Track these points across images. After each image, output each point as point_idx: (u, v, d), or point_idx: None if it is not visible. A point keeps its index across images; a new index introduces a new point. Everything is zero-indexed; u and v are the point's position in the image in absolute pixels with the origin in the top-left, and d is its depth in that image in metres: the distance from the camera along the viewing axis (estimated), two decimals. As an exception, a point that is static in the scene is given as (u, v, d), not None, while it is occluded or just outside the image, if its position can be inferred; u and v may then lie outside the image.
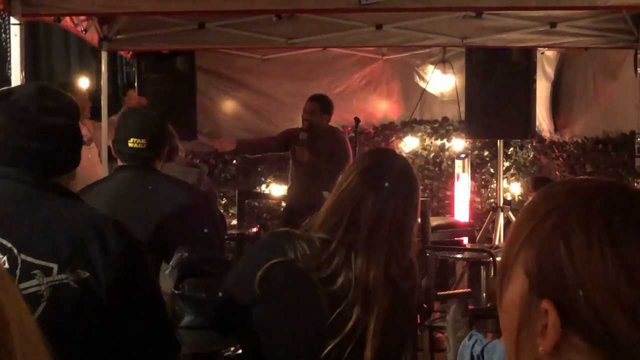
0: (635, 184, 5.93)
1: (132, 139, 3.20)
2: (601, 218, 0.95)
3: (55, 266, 1.91)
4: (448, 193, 8.46)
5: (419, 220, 2.40)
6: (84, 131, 6.27)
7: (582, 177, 1.77)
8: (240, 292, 2.30)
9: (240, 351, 2.74)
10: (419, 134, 8.77)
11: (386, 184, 2.29)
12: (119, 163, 3.34)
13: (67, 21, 5.75)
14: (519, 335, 1.00)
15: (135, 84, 7.62)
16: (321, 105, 6.92)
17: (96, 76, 7.68)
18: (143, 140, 3.19)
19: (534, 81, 7.27)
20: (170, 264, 2.60)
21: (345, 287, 2.23)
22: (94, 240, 1.95)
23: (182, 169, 4.21)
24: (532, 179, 7.10)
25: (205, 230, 3.19)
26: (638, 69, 2.86)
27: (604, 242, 0.93)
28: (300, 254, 2.24)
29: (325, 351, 2.21)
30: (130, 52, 7.69)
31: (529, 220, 1.01)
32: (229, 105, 8.62)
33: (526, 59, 7.20)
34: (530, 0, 4.75)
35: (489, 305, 5.85)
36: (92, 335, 1.95)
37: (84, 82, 8.59)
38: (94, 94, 7.48)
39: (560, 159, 7.99)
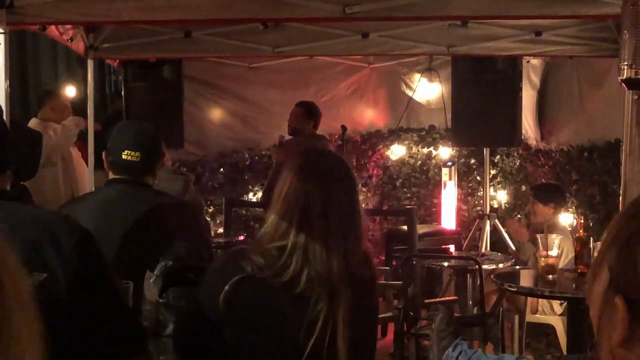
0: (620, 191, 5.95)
1: (126, 151, 3.17)
2: None
3: None
4: (435, 201, 8.48)
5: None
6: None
7: None
8: (206, 316, 2.30)
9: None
10: (406, 142, 8.79)
11: (325, 178, 2.30)
12: (110, 175, 3.31)
13: (52, 30, 5.74)
14: (599, 326, 1.08)
15: (122, 93, 7.62)
16: (305, 110, 7.05)
17: (83, 84, 7.67)
18: (137, 153, 3.17)
19: (520, 89, 7.31)
20: (155, 272, 2.60)
21: (310, 285, 2.22)
22: (45, 239, 1.89)
23: (168, 176, 4.21)
24: (531, 188, 7.08)
25: (193, 245, 3.17)
26: (619, 77, 2.89)
27: None
28: (257, 267, 2.23)
29: (305, 354, 2.20)
30: (117, 61, 7.68)
31: (621, 219, 1.10)
32: (215, 114, 8.63)
33: (512, 68, 7.24)
34: (515, 9, 4.76)
35: (475, 312, 5.86)
36: (56, 335, 1.92)
37: (70, 90, 8.58)
38: (81, 102, 7.48)
39: (546, 167, 8.02)
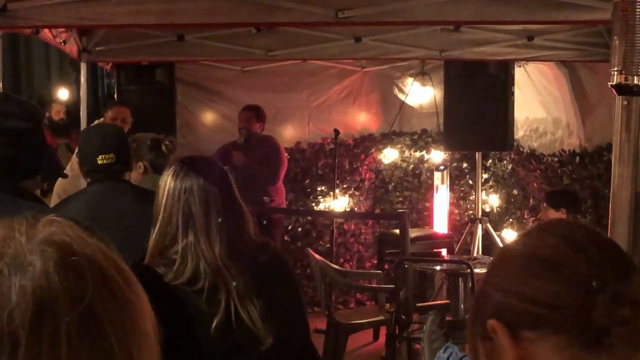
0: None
1: (100, 156, 3.27)
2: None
3: None
4: (427, 205, 8.49)
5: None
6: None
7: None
8: None
9: None
10: (398, 146, 8.80)
11: (200, 177, 2.39)
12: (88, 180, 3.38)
13: (46, 33, 5.74)
14: None
15: (115, 96, 7.62)
16: (255, 114, 7.37)
17: (76, 87, 7.67)
18: (111, 155, 3.28)
19: (512, 94, 7.33)
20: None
21: (206, 277, 2.31)
22: None
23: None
24: (545, 194, 7.00)
25: None
26: (610, 83, 2.92)
27: None
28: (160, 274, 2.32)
29: (218, 348, 2.28)
30: (110, 64, 7.68)
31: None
32: (208, 117, 8.63)
33: (504, 72, 7.26)
34: (507, 15, 4.78)
35: (466, 316, 5.88)
36: None
37: (63, 93, 8.58)
38: (74, 105, 7.48)
39: (538, 171, 8.03)
